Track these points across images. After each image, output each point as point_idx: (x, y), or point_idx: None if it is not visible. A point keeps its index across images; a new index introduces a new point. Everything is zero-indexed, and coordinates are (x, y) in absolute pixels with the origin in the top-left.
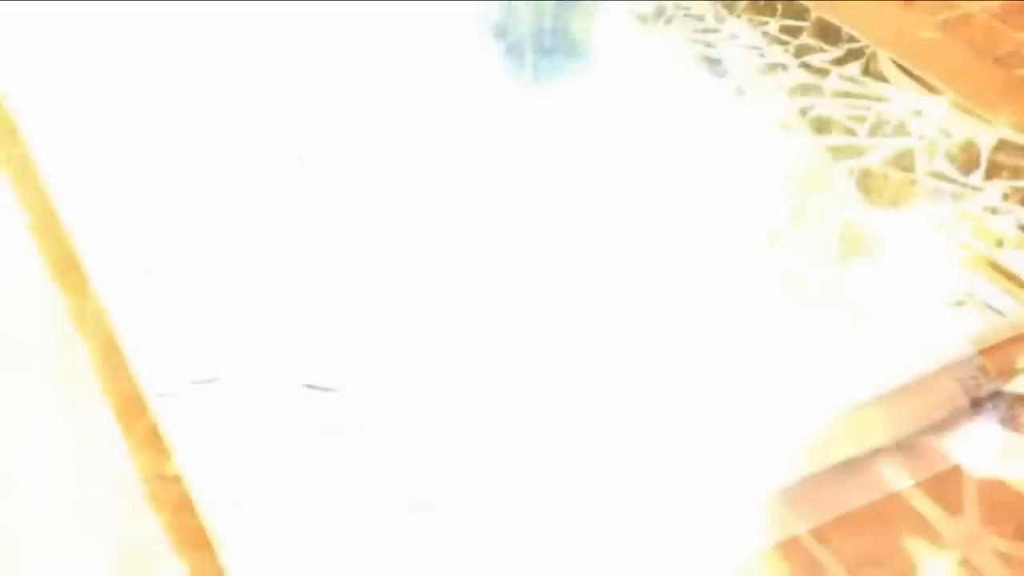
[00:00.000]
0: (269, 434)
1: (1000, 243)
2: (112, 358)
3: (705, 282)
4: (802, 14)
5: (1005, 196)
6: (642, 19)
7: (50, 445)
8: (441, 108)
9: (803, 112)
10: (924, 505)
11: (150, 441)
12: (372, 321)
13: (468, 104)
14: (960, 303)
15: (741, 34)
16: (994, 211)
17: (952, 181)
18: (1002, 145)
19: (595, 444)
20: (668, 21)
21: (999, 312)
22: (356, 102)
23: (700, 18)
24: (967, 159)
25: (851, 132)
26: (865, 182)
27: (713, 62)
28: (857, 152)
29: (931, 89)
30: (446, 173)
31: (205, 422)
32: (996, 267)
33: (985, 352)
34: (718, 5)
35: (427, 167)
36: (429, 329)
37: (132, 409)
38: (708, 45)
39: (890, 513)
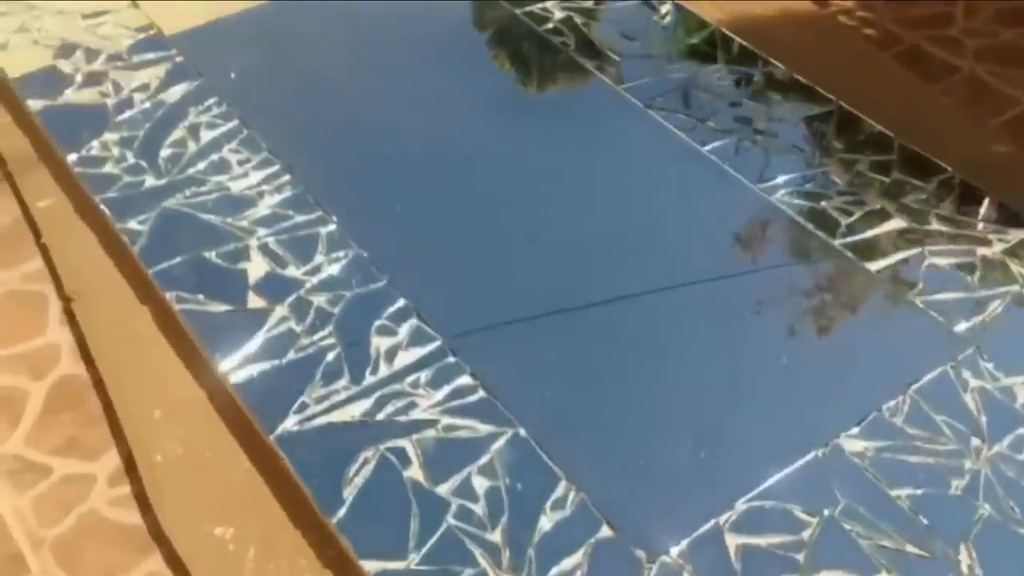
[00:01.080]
0: None
1: None
2: None
3: None
4: (888, 145)
5: None
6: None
7: None
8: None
9: (902, 265)
10: None
11: None
12: None
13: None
14: None
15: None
16: None
17: None
18: None
19: None
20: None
21: None
22: None
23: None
24: None
25: (965, 288)
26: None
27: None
28: (979, 308)
29: (1017, 221)
30: None
31: None
32: None
33: None
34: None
35: None
36: None
37: None
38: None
39: None
